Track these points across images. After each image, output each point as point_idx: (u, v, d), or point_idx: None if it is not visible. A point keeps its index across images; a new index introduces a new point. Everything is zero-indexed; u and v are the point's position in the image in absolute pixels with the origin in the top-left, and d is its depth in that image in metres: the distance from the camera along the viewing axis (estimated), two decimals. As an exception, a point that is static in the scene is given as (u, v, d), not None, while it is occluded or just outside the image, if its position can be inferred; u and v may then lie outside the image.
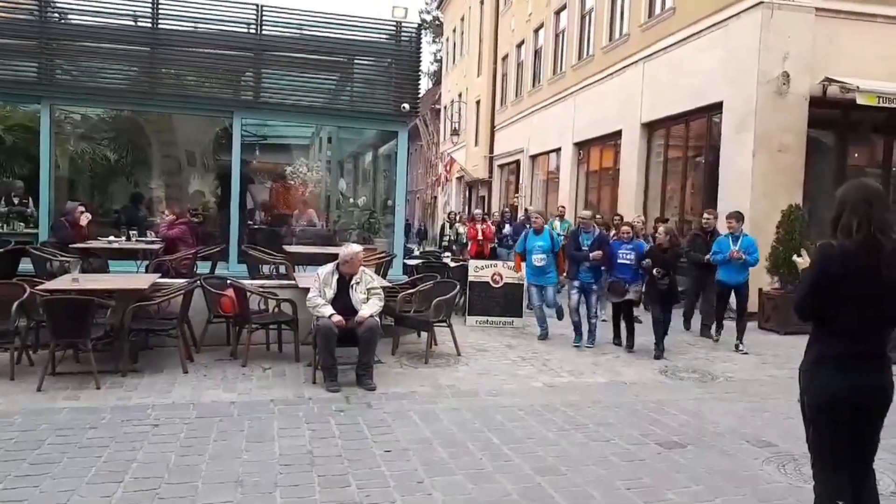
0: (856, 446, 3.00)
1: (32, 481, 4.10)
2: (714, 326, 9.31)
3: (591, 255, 8.35)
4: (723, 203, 11.59)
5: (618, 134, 15.99)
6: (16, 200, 10.93)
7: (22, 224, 10.39)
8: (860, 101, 10.22)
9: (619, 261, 8.46)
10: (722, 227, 9.43)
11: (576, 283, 8.54)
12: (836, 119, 11.44)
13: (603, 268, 8.55)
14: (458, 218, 17.84)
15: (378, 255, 9.74)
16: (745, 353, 8.46)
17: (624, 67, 15.71)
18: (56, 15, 9.54)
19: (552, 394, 6.50)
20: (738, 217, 9.00)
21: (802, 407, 3.12)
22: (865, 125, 11.75)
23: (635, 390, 6.69)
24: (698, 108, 12.83)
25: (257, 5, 9.52)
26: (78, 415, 5.34)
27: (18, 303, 6.13)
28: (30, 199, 10.54)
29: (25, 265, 8.33)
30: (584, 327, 8.60)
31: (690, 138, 13.88)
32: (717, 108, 12.14)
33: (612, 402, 6.26)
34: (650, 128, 14.90)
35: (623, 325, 8.63)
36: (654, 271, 8.05)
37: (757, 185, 10.96)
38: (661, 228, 8.77)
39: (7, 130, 11.69)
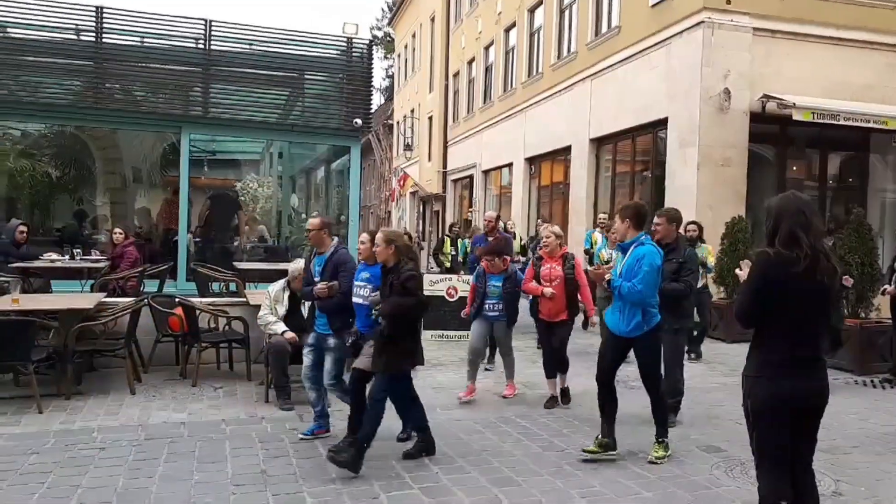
0: (796, 446, 3.13)
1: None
2: None
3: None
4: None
5: (567, 149, 16.28)
6: (-49, 219, 10.52)
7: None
8: (797, 116, 10.66)
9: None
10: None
11: None
12: (775, 134, 11.91)
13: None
14: (458, 231, 13.53)
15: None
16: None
17: (572, 84, 16.04)
18: (-6, 28, 9.24)
19: (507, 406, 6.55)
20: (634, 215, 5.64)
21: (746, 411, 3.23)
22: (802, 140, 12.27)
23: (586, 400, 6.77)
24: (644, 124, 13.18)
25: (205, 20, 9.41)
26: (19, 440, 5.14)
27: (-46, 325, 5.89)
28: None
29: (-39, 286, 8.00)
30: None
31: (637, 153, 14.22)
32: (662, 123, 12.49)
33: (565, 412, 6.34)
34: (598, 143, 15.22)
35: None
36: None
37: (702, 198, 11.29)
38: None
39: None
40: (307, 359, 5.42)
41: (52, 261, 9.30)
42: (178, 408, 6.14)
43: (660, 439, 5.11)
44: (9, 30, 9.28)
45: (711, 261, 8.99)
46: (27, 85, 9.36)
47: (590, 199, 15.24)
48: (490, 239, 8.42)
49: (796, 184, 11.88)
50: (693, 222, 8.78)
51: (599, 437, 5.08)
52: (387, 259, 4.84)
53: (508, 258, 6.94)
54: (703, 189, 11.33)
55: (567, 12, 16.99)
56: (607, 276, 4.95)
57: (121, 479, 4.47)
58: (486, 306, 6.66)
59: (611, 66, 14.27)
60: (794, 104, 10.69)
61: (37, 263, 9.03)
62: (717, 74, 11.27)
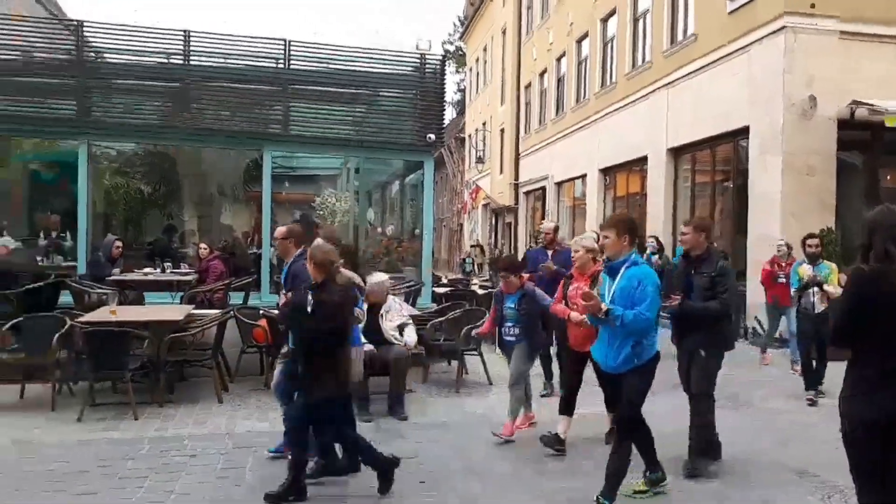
0: (887, 461, 2.97)
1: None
2: None
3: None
4: (753, 226, 11.51)
5: (644, 160, 15.98)
6: (53, 234, 11.22)
7: (60, 257, 10.64)
8: (889, 123, 10.13)
9: None
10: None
11: None
12: (864, 141, 11.33)
13: None
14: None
15: (406, 284, 9.80)
16: None
17: (648, 94, 15.75)
18: (92, 54, 9.85)
19: (586, 425, 6.43)
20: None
21: (844, 434, 3.08)
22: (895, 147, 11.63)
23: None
24: (724, 133, 12.80)
25: (285, 40, 9.76)
26: (117, 446, 5.42)
27: (59, 335, 6.28)
28: (67, 232, 10.81)
29: (65, 298, 8.52)
30: None
31: (717, 163, 13.83)
32: (743, 132, 12.10)
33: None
34: (676, 153, 14.88)
35: None
36: None
37: (786, 208, 10.86)
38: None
39: (46, 167, 12.05)
40: (277, 370, 5.34)
41: (145, 274, 9.79)
42: (262, 417, 6.33)
43: (647, 472, 4.52)
44: (105, 55, 9.89)
45: (834, 282, 7.22)
46: (122, 107, 9.93)
47: (668, 210, 14.90)
48: (550, 253, 7.61)
49: (889, 193, 11.25)
50: (812, 235, 7.93)
51: (647, 473, 4.56)
52: (314, 276, 4.46)
53: (525, 275, 6.21)
54: (788, 198, 10.89)
55: (641, 21, 16.73)
56: (604, 307, 4.11)
57: (210, 486, 4.65)
58: (504, 330, 5.95)
59: (688, 74, 13.95)
60: (887, 110, 10.16)
61: (130, 276, 9.53)
62: (801, 80, 10.85)
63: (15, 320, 6.73)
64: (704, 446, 4.96)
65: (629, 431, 4.29)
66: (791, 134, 10.90)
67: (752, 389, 7.73)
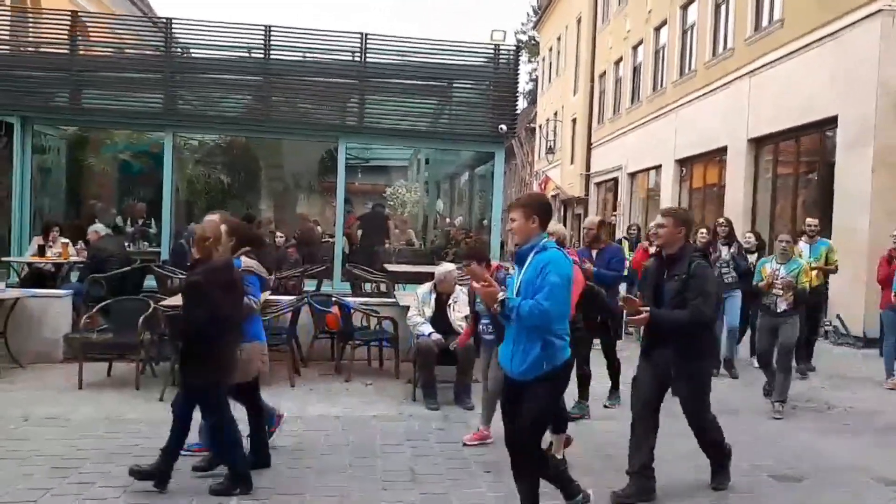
0: None
1: (158, 485, 4.39)
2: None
3: None
4: (838, 221, 10.97)
5: (723, 150, 15.45)
6: (140, 221, 11.80)
7: (146, 243, 11.17)
8: None
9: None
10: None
11: None
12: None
13: None
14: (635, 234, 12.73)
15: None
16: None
17: (729, 82, 15.20)
18: (179, 50, 10.26)
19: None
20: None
21: None
22: None
23: (745, 420, 6.40)
24: (809, 123, 12.23)
25: (362, 34, 9.88)
26: (194, 424, 5.66)
27: (144, 317, 6.62)
28: (152, 219, 11.35)
29: (149, 282, 8.96)
30: None
31: (801, 154, 13.24)
32: (830, 122, 11.53)
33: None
34: (757, 143, 14.32)
35: None
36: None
37: (877, 203, 10.30)
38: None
39: (134, 157, 12.66)
40: None
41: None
42: (333, 401, 6.50)
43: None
44: (191, 51, 10.29)
45: (804, 280, 6.82)
46: (205, 99, 10.32)
47: (748, 203, 14.38)
48: (594, 252, 6.83)
49: None
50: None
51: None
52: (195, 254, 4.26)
53: (496, 264, 5.84)
54: (879, 193, 10.32)
55: (723, 7, 16.13)
56: (500, 296, 3.55)
57: (282, 467, 4.81)
58: (480, 328, 5.53)
59: (772, 61, 13.38)
60: None
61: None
62: (898, 67, 10.24)
63: (104, 303, 7.14)
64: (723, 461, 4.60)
65: (535, 466, 3.70)
66: (885, 125, 10.31)
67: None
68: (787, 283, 6.55)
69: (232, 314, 4.21)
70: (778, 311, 6.70)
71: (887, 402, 7.16)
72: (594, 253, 6.82)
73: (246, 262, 4.79)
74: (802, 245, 8.39)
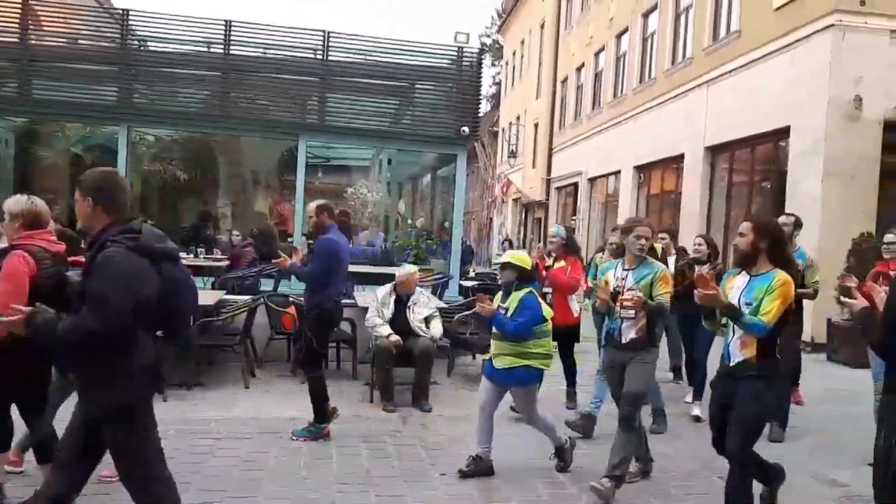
0: None
1: (102, 488, 4.23)
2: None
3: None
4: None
5: (680, 157, 15.75)
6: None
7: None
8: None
9: None
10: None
11: None
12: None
13: None
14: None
15: (434, 277, 9.81)
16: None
17: (687, 91, 15.51)
18: (136, 42, 10.02)
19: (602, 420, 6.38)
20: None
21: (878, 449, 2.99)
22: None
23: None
24: (764, 133, 12.55)
25: (324, 32, 9.78)
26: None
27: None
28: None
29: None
30: None
31: (756, 162, 13.57)
32: (784, 132, 11.85)
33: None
34: (714, 151, 14.63)
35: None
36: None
37: (827, 212, 10.61)
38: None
39: (87, 150, 12.32)
40: None
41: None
42: (289, 403, 6.40)
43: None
44: (148, 44, 10.05)
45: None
46: (162, 94, 10.09)
47: (703, 210, 14.68)
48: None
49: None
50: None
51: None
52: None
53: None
54: (829, 202, 10.64)
55: (683, 17, 16.46)
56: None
57: (235, 469, 4.73)
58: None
59: (729, 71, 13.69)
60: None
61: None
62: (848, 80, 10.57)
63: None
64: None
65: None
66: (835, 136, 10.63)
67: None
68: (636, 300, 4.40)
69: None
70: (623, 341, 4.57)
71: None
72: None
73: None
74: None
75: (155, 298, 2.90)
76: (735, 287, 3.78)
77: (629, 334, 4.51)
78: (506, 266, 4.91)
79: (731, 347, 3.74)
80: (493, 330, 4.86)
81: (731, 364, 3.73)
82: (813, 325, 10.18)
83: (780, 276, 3.65)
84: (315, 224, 5.59)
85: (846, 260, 9.75)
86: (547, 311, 4.92)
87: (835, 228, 10.41)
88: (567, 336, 6.61)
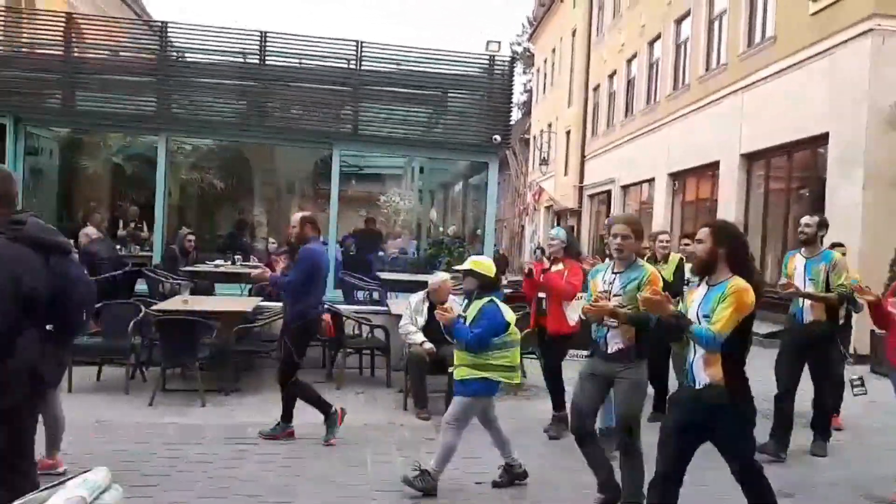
0: None
1: (145, 491, 4.35)
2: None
3: None
4: (828, 238, 11.00)
5: (716, 165, 15.55)
6: (132, 225, 11.74)
7: (138, 247, 11.11)
8: None
9: None
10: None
11: None
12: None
13: None
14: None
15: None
16: None
17: (721, 97, 15.32)
18: (174, 53, 10.23)
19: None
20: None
21: None
22: None
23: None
24: (802, 140, 12.34)
25: (357, 41, 9.89)
26: (185, 431, 5.63)
27: (134, 322, 6.57)
28: (144, 223, 11.28)
29: (140, 286, 8.90)
30: None
31: (793, 170, 13.34)
32: (822, 139, 11.63)
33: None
34: (750, 159, 14.43)
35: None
36: None
37: (867, 221, 10.38)
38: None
39: (127, 160, 12.60)
40: None
41: (216, 266, 10.13)
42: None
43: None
44: (186, 55, 10.26)
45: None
46: (200, 104, 10.28)
47: (740, 217, 14.45)
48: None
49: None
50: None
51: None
52: None
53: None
54: (870, 211, 10.41)
55: (717, 23, 16.29)
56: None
57: (271, 475, 4.78)
58: None
59: (765, 77, 13.50)
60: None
61: (201, 268, 9.87)
62: (888, 85, 10.35)
63: (95, 306, 7.07)
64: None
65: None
66: (875, 143, 10.42)
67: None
68: (596, 309, 4.13)
69: None
70: (609, 351, 4.18)
71: None
72: None
73: None
74: (798, 258, 5.94)
75: (44, 291, 2.89)
76: (694, 300, 3.46)
77: (615, 344, 4.12)
78: (467, 273, 4.70)
79: (695, 367, 3.39)
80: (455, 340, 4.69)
81: (698, 387, 3.38)
82: (856, 337, 9.94)
83: (735, 281, 3.30)
84: (297, 235, 5.66)
85: (889, 269, 9.52)
86: (510, 317, 4.62)
87: (876, 236, 10.19)
88: (560, 347, 6.01)
